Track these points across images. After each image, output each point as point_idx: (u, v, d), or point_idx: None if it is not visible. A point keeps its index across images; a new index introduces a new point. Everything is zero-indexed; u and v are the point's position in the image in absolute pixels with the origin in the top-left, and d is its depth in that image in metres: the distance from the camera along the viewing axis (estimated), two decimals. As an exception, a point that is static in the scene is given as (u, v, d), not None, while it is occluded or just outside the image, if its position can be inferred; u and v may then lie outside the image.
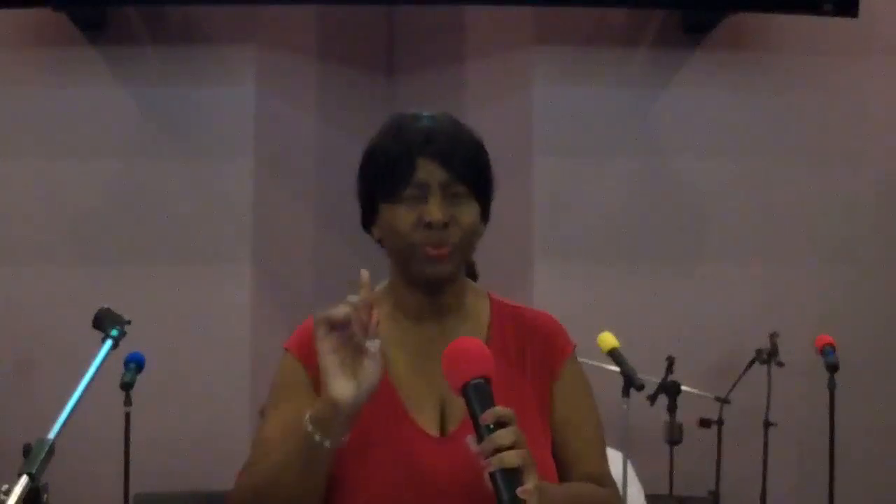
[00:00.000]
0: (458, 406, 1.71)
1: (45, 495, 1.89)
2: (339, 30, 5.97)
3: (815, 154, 5.76)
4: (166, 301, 5.44)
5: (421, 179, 1.74)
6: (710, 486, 5.10)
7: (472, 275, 1.99)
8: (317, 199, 5.87)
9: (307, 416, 1.62)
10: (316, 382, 1.76)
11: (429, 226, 1.72)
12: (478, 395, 1.59)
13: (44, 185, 5.57)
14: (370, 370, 1.61)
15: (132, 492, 4.60)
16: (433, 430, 1.76)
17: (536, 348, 1.84)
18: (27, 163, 5.59)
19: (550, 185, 5.67)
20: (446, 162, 1.74)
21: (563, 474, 1.79)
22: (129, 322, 2.55)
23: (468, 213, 1.77)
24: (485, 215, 1.83)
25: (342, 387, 1.59)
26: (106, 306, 2.56)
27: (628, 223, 5.69)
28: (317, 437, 1.60)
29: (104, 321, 2.51)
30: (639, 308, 5.52)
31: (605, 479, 1.82)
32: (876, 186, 5.76)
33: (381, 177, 1.77)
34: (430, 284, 1.78)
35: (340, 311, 1.60)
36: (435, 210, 1.73)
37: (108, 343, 2.43)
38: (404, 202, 1.74)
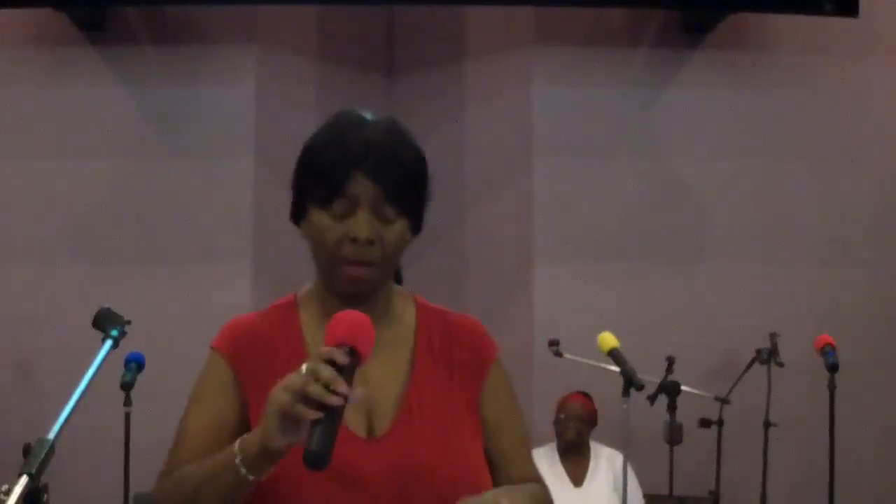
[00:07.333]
0: (386, 407, 1.75)
1: (45, 495, 1.89)
2: (339, 30, 5.97)
3: (815, 154, 5.76)
4: (166, 301, 5.44)
5: (353, 193, 1.74)
6: (710, 486, 5.10)
7: (398, 279, 1.96)
8: (317, 199, 5.86)
9: (237, 447, 1.60)
10: (239, 379, 1.80)
11: (354, 241, 1.73)
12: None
13: (44, 185, 5.57)
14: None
15: (132, 492, 4.59)
16: (360, 432, 1.75)
17: (464, 351, 1.85)
18: (27, 163, 5.59)
19: (550, 185, 5.66)
20: (380, 179, 1.73)
21: (494, 475, 1.81)
22: (129, 322, 2.54)
23: (395, 232, 1.76)
24: (416, 227, 1.82)
25: (282, 440, 1.55)
26: (106, 306, 2.56)
27: (628, 223, 5.69)
28: (243, 471, 1.59)
29: (104, 321, 2.50)
30: (639, 308, 5.52)
31: (538, 479, 1.85)
32: (876, 186, 5.77)
33: (315, 180, 1.79)
34: (351, 297, 1.78)
35: (317, 390, 1.51)
36: (362, 227, 1.73)
37: (108, 343, 2.42)
38: (334, 212, 1.75)
